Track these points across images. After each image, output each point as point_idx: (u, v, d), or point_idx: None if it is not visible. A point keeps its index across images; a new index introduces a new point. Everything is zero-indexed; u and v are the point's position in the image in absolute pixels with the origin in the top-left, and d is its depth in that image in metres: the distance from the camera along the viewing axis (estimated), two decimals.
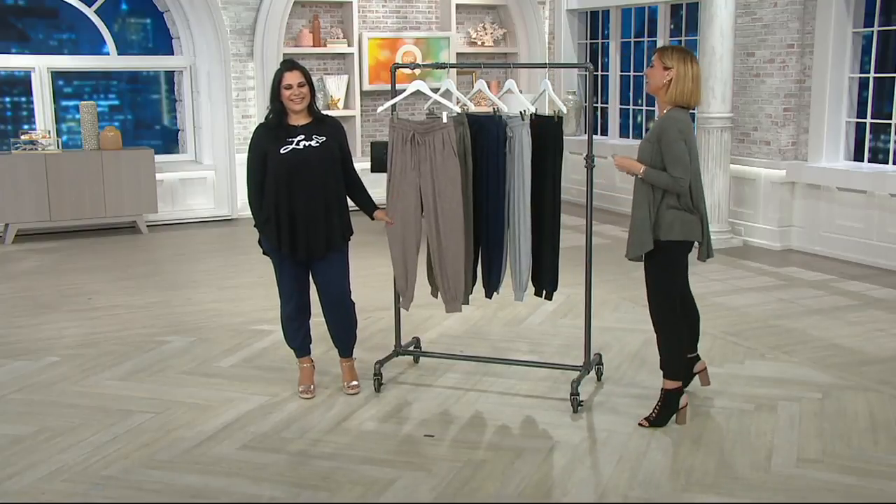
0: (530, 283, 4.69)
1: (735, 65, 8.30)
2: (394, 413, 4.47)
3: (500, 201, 4.54)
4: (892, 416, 4.39)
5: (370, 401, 4.62)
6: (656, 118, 4.38)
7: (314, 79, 9.86)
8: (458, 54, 10.76)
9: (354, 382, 4.75)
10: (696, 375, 4.65)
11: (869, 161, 8.03)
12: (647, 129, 10.35)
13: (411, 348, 5.17)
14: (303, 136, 4.42)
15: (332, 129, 4.52)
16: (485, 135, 4.51)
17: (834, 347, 5.44)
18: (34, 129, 9.11)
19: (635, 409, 4.49)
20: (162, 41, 10.30)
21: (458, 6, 10.76)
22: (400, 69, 4.99)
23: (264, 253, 4.60)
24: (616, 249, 8.20)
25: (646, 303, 4.56)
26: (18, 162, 8.59)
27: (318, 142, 4.43)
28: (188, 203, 9.74)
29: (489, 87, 4.98)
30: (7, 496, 3.62)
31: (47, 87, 9.35)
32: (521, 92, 4.78)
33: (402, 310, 5.08)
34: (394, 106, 4.72)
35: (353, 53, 10.26)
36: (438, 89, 4.75)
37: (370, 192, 4.73)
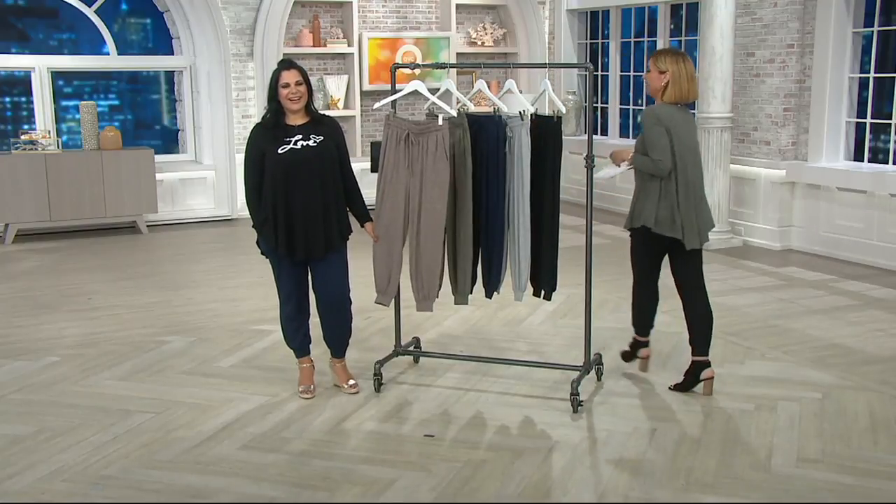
0: (529, 283, 4.69)
1: (735, 65, 8.30)
2: (394, 413, 4.47)
3: (499, 201, 4.54)
4: (892, 416, 4.39)
5: (370, 401, 4.62)
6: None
7: (314, 79, 9.92)
8: (458, 54, 10.76)
9: (353, 381, 4.75)
10: (702, 382, 4.69)
11: (869, 161, 8.02)
12: None
13: (411, 348, 5.17)
14: (300, 136, 4.41)
15: (330, 129, 4.51)
16: (485, 135, 4.51)
17: (834, 347, 5.44)
18: (34, 129, 9.11)
19: (635, 409, 4.49)
20: (162, 41, 10.30)
21: (458, 6, 10.76)
22: (400, 69, 4.99)
23: (262, 253, 4.60)
24: (616, 249, 8.20)
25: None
26: (18, 162, 8.59)
27: (315, 141, 4.42)
28: (188, 203, 9.74)
29: (489, 87, 4.98)
30: (7, 496, 3.62)
31: (47, 87, 9.36)
32: (521, 92, 4.78)
33: (401, 310, 5.10)
34: (394, 104, 4.71)
35: (353, 53, 10.26)
36: (438, 89, 4.75)
37: (369, 191, 4.73)
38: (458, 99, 4.79)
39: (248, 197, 4.51)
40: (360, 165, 9.08)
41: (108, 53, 9.77)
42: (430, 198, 4.47)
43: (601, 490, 3.65)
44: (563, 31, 11.06)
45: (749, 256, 8.01)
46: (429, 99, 4.64)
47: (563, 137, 4.63)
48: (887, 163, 7.87)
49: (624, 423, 4.32)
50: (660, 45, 9.92)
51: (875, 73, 7.93)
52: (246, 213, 9.10)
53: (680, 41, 9.79)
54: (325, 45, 10.19)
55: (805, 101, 8.19)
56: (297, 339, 4.71)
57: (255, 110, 9.84)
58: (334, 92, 10.23)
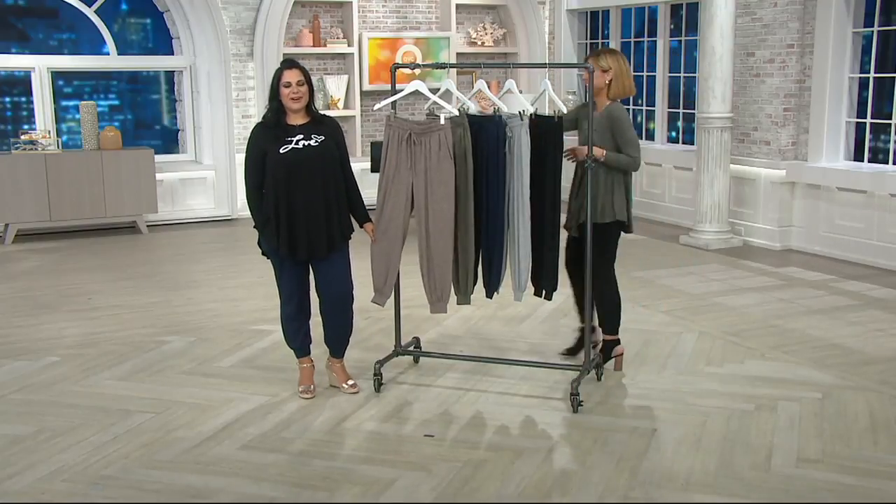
0: (530, 283, 4.69)
1: (735, 65, 8.30)
2: (394, 413, 4.47)
3: (499, 201, 4.54)
4: (892, 416, 4.39)
5: (370, 401, 4.62)
6: (594, 114, 4.67)
7: (314, 79, 9.89)
8: (458, 54, 10.76)
9: (352, 381, 4.75)
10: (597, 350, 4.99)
11: (869, 161, 8.02)
12: (647, 129, 10.38)
13: (411, 348, 5.17)
14: (302, 136, 4.41)
15: (331, 129, 4.51)
16: (485, 135, 4.51)
17: (834, 347, 5.44)
18: (34, 129, 9.11)
19: (635, 409, 4.49)
20: (162, 41, 10.30)
21: (458, 6, 10.76)
22: (400, 69, 4.99)
23: (263, 254, 4.60)
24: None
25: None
26: (18, 162, 8.59)
27: (317, 141, 4.42)
28: (188, 203, 9.74)
29: (489, 87, 4.98)
30: (7, 496, 3.62)
31: (47, 87, 9.36)
32: (521, 92, 4.78)
33: (401, 310, 5.10)
34: (394, 104, 4.71)
35: (353, 53, 10.26)
36: (438, 89, 4.75)
37: (369, 191, 4.73)
38: (458, 99, 4.79)
39: (250, 197, 4.50)
40: (359, 165, 9.09)
41: (108, 53, 9.77)
42: (436, 198, 4.46)
43: (601, 490, 3.65)
44: (563, 31, 11.06)
45: (749, 256, 8.01)
46: (429, 99, 4.64)
47: (564, 137, 4.63)
48: (887, 163, 7.87)
49: (624, 423, 4.32)
50: (660, 45, 9.92)
51: (875, 73, 7.92)
52: (246, 213, 9.10)
53: (680, 41, 9.79)
54: (325, 45, 10.19)
55: (805, 101, 8.19)
56: (298, 340, 4.71)
57: (256, 110, 9.84)
58: (334, 92, 10.23)
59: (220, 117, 9.73)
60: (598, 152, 4.63)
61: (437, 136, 4.44)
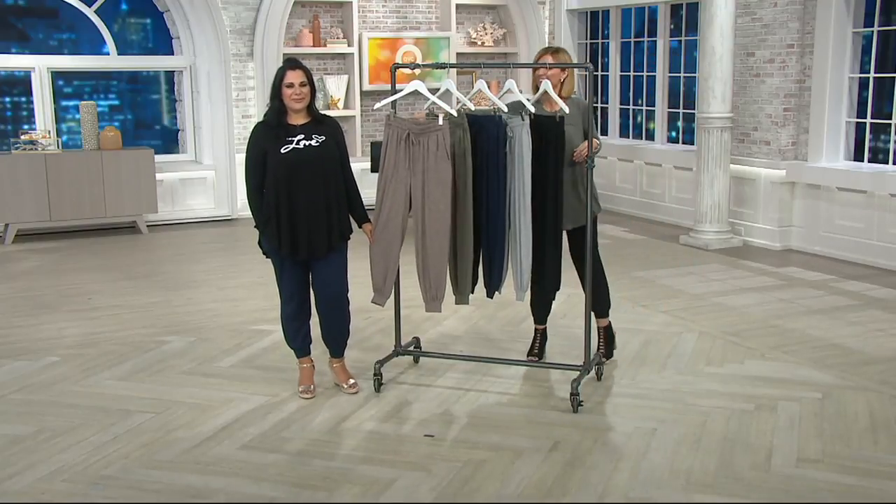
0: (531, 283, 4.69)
1: (735, 65, 8.30)
2: (394, 413, 4.47)
3: (500, 201, 4.54)
4: (892, 416, 4.39)
5: (370, 401, 4.62)
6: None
7: (314, 79, 9.90)
8: (458, 54, 10.76)
9: (353, 381, 4.75)
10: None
11: (869, 161, 8.02)
12: (647, 130, 10.38)
13: (411, 348, 5.17)
14: (303, 136, 4.41)
15: (331, 129, 4.52)
16: (485, 135, 4.51)
17: (834, 347, 5.44)
18: (34, 129, 9.11)
19: (635, 409, 4.49)
20: (162, 41, 10.30)
21: (458, 6, 10.76)
22: (400, 69, 4.99)
23: (264, 254, 4.60)
24: (616, 249, 8.21)
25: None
26: (18, 162, 8.59)
27: (318, 141, 4.43)
28: (188, 203, 9.74)
29: (489, 87, 4.98)
30: (7, 496, 3.62)
31: (47, 87, 9.36)
32: (521, 92, 4.77)
33: (401, 310, 5.10)
34: (394, 104, 4.71)
35: (353, 53, 10.26)
36: (438, 89, 4.75)
37: (369, 191, 4.73)
38: (458, 99, 4.80)
39: (250, 197, 4.50)
40: (360, 165, 9.10)
41: (108, 53, 9.77)
42: (433, 198, 4.47)
43: (601, 490, 3.65)
44: (563, 31, 11.06)
45: (749, 256, 8.01)
46: (429, 99, 4.64)
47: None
48: (887, 163, 7.87)
49: (624, 423, 4.32)
50: (660, 45, 9.92)
51: (875, 73, 7.92)
52: (246, 212, 9.11)
53: (680, 41, 9.78)
54: (325, 45, 10.19)
55: (805, 101, 8.19)
56: (298, 340, 4.71)
57: (256, 110, 9.84)
58: (334, 92, 10.23)
59: (220, 117, 9.72)
60: (595, 143, 4.68)
61: (435, 136, 4.44)
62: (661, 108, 10.06)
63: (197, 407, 4.54)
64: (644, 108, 10.42)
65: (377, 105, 4.90)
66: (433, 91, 4.73)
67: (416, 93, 4.74)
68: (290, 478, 3.76)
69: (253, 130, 4.50)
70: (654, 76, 10.08)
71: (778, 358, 5.25)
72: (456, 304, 4.73)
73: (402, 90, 4.76)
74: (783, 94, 8.25)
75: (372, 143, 8.47)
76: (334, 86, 10.24)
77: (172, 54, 10.06)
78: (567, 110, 4.64)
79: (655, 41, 10.02)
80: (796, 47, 8.13)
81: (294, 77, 4.36)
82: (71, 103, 10.41)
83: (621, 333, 5.59)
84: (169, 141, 10.71)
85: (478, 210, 4.58)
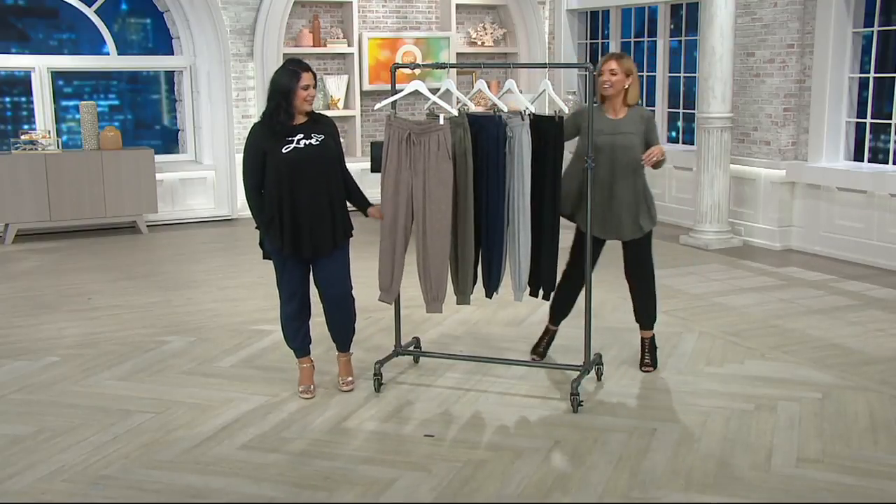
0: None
1: (735, 65, 8.30)
2: (394, 413, 4.47)
3: (499, 201, 4.54)
4: (892, 416, 4.39)
5: (370, 401, 4.62)
6: (609, 117, 4.85)
7: None
8: (458, 54, 10.76)
9: (349, 378, 4.76)
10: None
11: (869, 161, 8.02)
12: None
13: (411, 348, 5.17)
14: (302, 135, 4.41)
15: (329, 128, 4.54)
16: (485, 135, 4.51)
17: (834, 347, 5.44)
18: (34, 129, 9.11)
19: (635, 409, 4.49)
20: (162, 41, 10.30)
21: (458, 6, 10.76)
22: (400, 69, 4.99)
23: (265, 255, 4.60)
24: (616, 249, 8.18)
25: None
26: (18, 162, 8.59)
27: (317, 140, 4.43)
28: (188, 203, 9.74)
29: (489, 87, 4.98)
30: (7, 496, 3.62)
31: (47, 87, 9.36)
32: (521, 92, 4.78)
33: (401, 310, 5.10)
34: (394, 104, 4.71)
35: (353, 53, 10.26)
36: (438, 89, 4.76)
37: (368, 192, 4.74)
38: (458, 99, 4.80)
39: (249, 197, 4.50)
40: (360, 165, 9.10)
41: (108, 53, 9.77)
42: (434, 198, 4.47)
43: (601, 490, 3.65)
44: (563, 31, 11.06)
45: (749, 256, 8.01)
46: (429, 99, 4.64)
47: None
48: (887, 163, 7.87)
49: (624, 423, 4.32)
50: (660, 45, 9.92)
51: (875, 73, 7.92)
52: (246, 212, 9.11)
53: (680, 41, 9.78)
54: (325, 45, 10.19)
55: (805, 101, 8.19)
56: (298, 340, 4.71)
57: (255, 110, 9.84)
58: (334, 92, 10.23)
59: (220, 117, 9.73)
60: (661, 152, 4.72)
61: (435, 136, 4.44)
62: (661, 108, 10.06)
63: (197, 407, 4.54)
64: (644, 108, 10.40)
65: (377, 105, 4.89)
66: (433, 91, 4.73)
67: (416, 93, 4.74)
68: (291, 478, 3.76)
69: (251, 131, 4.50)
70: (654, 76, 10.08)
71: (778, 358, 5.25)
72: (457, 304, 4.74)
73: (402, 90, 4.76)
74: (783, 94, 8.25)
75: (372, 142, 8.46)
76: (334, 86, 10.24)
77: (172, 54, 10.06)
78: (567, 110, 4.64)
79: (655, 41, 10.03)
80: (796, 47, 8.13)
81: (310, 79, 4.38)
82: (71, 103, 10.41)
83: (622, 333, 5.60)
84: (169, 141, 10.72)
85: (477, 210, 4.58)
